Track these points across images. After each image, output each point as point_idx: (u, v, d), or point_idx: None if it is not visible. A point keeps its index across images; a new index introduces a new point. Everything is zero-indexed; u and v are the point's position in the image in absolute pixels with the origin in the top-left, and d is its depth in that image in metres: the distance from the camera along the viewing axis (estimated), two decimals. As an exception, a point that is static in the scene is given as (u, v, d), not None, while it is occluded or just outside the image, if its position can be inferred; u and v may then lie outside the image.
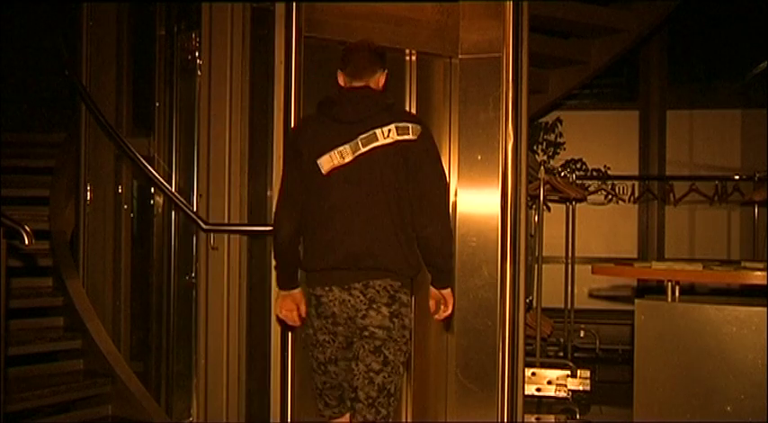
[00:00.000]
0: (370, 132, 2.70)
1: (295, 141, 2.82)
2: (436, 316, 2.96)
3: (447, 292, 2.89)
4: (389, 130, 2.70)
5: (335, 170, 2.70)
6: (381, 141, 2.69)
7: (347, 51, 2.87)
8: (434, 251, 2.77)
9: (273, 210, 2.94)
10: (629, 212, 8.37)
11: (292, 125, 3.38)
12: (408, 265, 2.76)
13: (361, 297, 2.70)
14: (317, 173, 2.71)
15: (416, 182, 2.73)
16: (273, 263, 2.91)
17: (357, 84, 2.79)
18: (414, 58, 4.06)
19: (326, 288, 2.73)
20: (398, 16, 3.92)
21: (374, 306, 2.70)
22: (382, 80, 2.86)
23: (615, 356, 7.13)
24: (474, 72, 3.99)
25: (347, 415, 2.85)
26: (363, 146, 2.69)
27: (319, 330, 2.78)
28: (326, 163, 2.70)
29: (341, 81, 2.84)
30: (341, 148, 2.70)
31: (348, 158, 2.70)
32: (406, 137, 2.71)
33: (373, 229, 2.70)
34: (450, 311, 2.91)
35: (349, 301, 2.71)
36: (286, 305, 2.86)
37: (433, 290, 2.91)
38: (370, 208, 2.70)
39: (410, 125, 2.74)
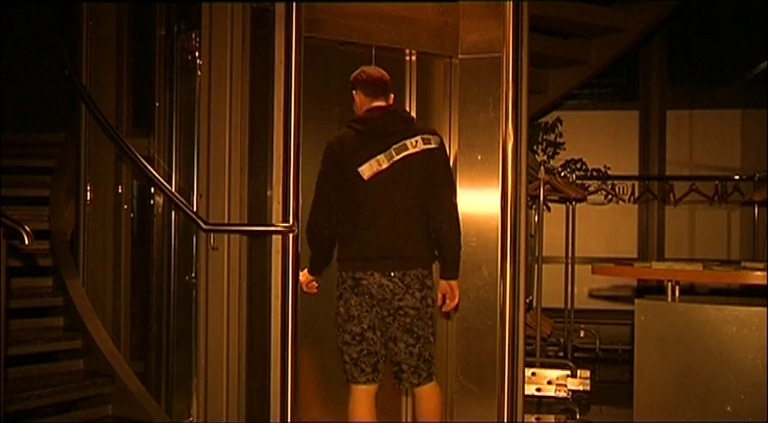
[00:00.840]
0: (401, 143, 3.28)
1: (336, 154, 3.31)
2: (443, 308, 3.45)
3: (454, 283, 3.41)
4: (416, 141, 3.30)
5: (375, 176, 3.26)
6: (411, 150, 3.29)
7: (366, 76, 3.42)
8: (448, 245, 3.34)
9: (309, 212, 3.39)
10: (629, 212, 8.38)
11: (294, 124, 3.40)
12: (432, 256, 3.38)
13: (400, 283, 3.27)
14: (360, 179, 3.26)
15: (434, 184, 3.32)
16: (310, 253, 3.42)
17: (378, 103, 3.38)
18: (414, 58, 4.06)
19: (368, 273, 3.27)
20: (398, 16, 3.92)
21: (410, 291, 3.28)
22: (392, 97, 3.46)
23: (615, 356, 7.14)
24: (474, 72, 3.99)
25: (377, 385, 3.35)
26: (396, 154, 3.27)
27: (356, 306, 3.30)
28: (367, 170, 3.26)
29: (359, 100, 3.42)
30: (378, 157, 3.27)
31: (384, 165, 3.27)
32: (429, 146, 3.32)
33: (408, 226, 3.28)
34: (456, 302, 3.44)
35: (387, 285, 3.27)
36: (312, 284, 3.49)
37: (442, 283, 3.41)
38: (404, 207, 3.28)
39: (431, 136, 3.36)
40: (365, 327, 3.31)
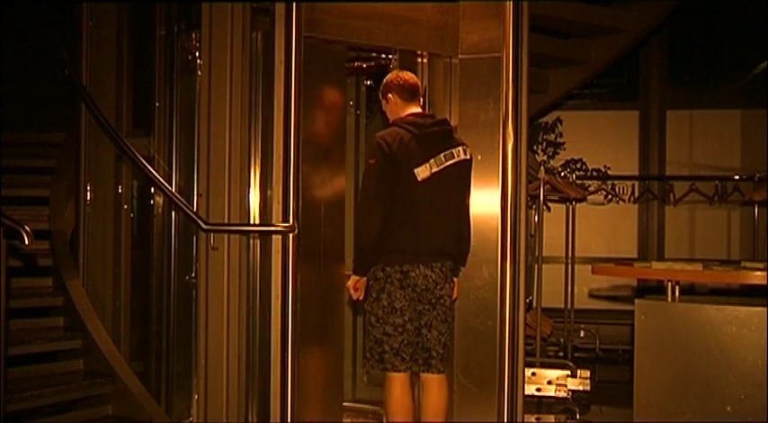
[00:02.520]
0: (449, 151, 3.55)
1: (393, 152, 3.44)
2: None
3: (458, 280, 3.73)
4: (459, 151, 3.59)
5: (427, 178, 3.49)
6: (456, 159, 3.56)
7: (403, 81, 3.62)
8: (466, 246, 3.70)
9: (356, 208, 3.57)
10: (629, 212, 8.37)
11: (294, 124, 3.40)
12: (456, 252, 3.66)
13: (441, 274, 3.54)
14: (414, 179, 3.47)
15: (466, 190, 3.68)
16: (355, 254, 3.53)
17: (415, 107, 3.63)
18: (425, 60, 4.07)
19: (415, 265, 3.49)
20: (398, 16, 3.92)
21: (447, 281, 3.57)
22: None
23: (615, 356, 7.14)
24: (474, 72, 3.99)
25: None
26: (446, 160, 3.54)
27: (400, 299, 3.49)
28: (422, 172, 3.48)
29: (395, 103, 3.63)
30: (431, 161, 3.50)
31: (435, 169, 3.51)
32: (467, 157, 3.63)
33: (448, 224, 3.57)
34: (456, 296, 3.72)
35: (431, 276, 3.51)
36: (361, 287, 3.56)
37: None
38: (447, 207, 3.57)
39: (467, 148, 3.65)
40: (407, 319, 3.51)
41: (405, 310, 3.50)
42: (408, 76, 3.66)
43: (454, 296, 3.67)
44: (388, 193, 3.45)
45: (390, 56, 4.06)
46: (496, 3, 3.94)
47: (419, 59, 4.07)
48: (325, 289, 3.84)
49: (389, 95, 3.64)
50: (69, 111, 4.63)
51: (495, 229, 3.91)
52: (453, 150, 3.57)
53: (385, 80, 3.68)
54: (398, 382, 3.53)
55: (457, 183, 3.60)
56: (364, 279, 3.54)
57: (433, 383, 3.57)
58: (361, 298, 3.58)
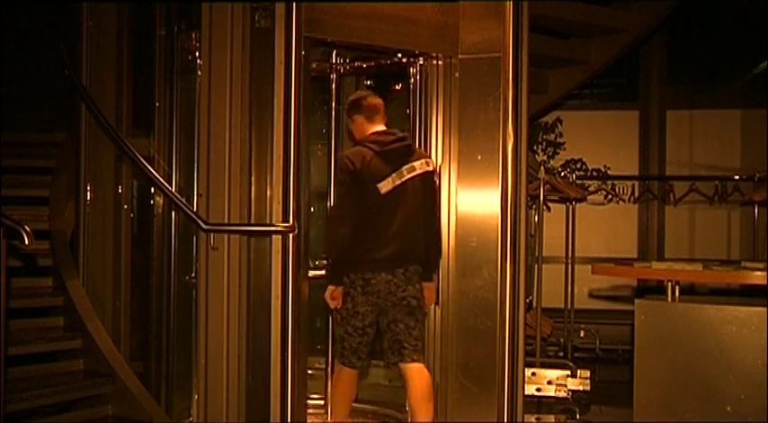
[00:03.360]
0: (410, 164, 3.78)
1: (357, 170, 3.70)
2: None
3: (432, 285, 3.93)
4: (422, 163, 3.82)
5: (390, 191, 3.72)
6: (418, 171, 3.79)
7: (367, 103, 3.89)
8: (435, 252, 3.94)
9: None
10: (629, 212, 8.37)
11: (294, 124, 3.40)
12: (424, 257, 3.87)
13: (402, 277, 3.75)
14: (377, 193, 3.71)
15: (431, 198, 3.89)
16: (331, 264, 3.81)
17: (380, 126, 3.89)
18: (441, 62, 4.09)
19: (376, 272, 3.72)
20: (398, 16, 3.92)
21: (411, 283, 3.78)
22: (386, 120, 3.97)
23: (615, 356, 7.14)
24: (474, 72, 4.00)
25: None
26: (407, 174, 3.76)
27: (362, 304, 3.74)
28: (384, 186, 3.72)
29: (360, 123, 3.90)
30: (393, 176, 3.74)
31: (397, 182, 3.74)
32: (429, 168, 3.86)
33: (411, 232, 3.78)
34: (432, 301, 3.97)
35: (393, 280, 3.73)
36: (338, 296, 3.79)
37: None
38: (409, 217, 3.77)
39: (429, 160, 3.92)
40: (367, 323, 3.77)
41: (366, 314, 3.75)
42: (372, 97, 3.93)
43: (430, 299, 3.90)
44: (355, 207, 3.72)
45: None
46: (496, 3, 3.94)
47: (435, 62, 4.15)
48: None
49: (355, 116, 3.91)
50: (69, 111, 4.62)
51: (495, 229, 3.91)
52: (415, 164, 3.80)
53: (349, 101, 3.98)
54: (348, 376, 3.86)
55: (420, 193, 3.81)
56: (340, 288, 3.77)
57: (413, 372, 3.76)
58: (339, 306, 3.81)
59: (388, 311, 3.76)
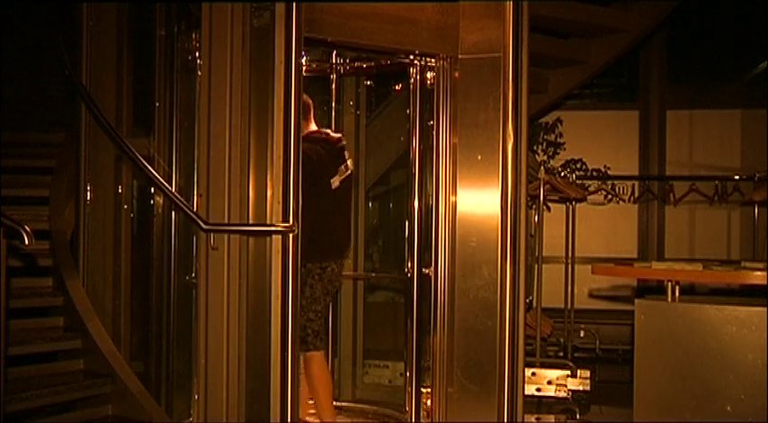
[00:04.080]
0: (345, 163, 4.20)
1: (314, 167, 3.93)
2: None
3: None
4: (351, 163, 4.29)
5: (337, 187, 4.13)
6: (349, 170, 4.24)
7: (308, 106, 4.12)
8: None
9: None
10: (629, 212, 8.38)
11: (294, 124, 3.40)
12: None
13: (340, 268, 4.27)
14: (329, 188, 4.09)
15: (350, 197, 4.43)
16: None
17: (314, 126, 4.23)
18: (445, 63, 4.08)
19: (330, 261, 4.14)
20: (398, 16, 3.92)
21: (342, 272, 4.33)
22: None
23: (615, 356, 7.14)
24: (474, 72, 3.99)
25: None
26: (345, 171, 4.19)
27: (320, 290, 4.11)
28: (334, 182, 4.10)
29: (309, 124, 4.16)
30: (339, 172, 4.13)
31: (341, 178, 4.15)
32: (351, 168, 4.31)
33: (348, 226, 4.39)
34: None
35: (335, 269, 4.19)
36: None
37: None
38: (346, 211, 4.34)
39: (351, 160, 4.34)
40: (323, 306, 4.18)
41: (322, 299, 4.13)
42: (305, 96, 4.02)
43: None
44: (314, 200, 3.91)
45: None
46: (496, 3, 3.94)
47: (439, 63, 4.15)
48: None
49: (305, 122, 4.07)
50: (69, 111, 4.62)
51: (495, 229, 3.91)
52: (347, 163, 4.23)
53: None
54: (318, 360, 4.14)
55: (349, 191, 4.34)
56: None
57: (314, 360, 4.11)
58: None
59: (327, 299, 4.20)
